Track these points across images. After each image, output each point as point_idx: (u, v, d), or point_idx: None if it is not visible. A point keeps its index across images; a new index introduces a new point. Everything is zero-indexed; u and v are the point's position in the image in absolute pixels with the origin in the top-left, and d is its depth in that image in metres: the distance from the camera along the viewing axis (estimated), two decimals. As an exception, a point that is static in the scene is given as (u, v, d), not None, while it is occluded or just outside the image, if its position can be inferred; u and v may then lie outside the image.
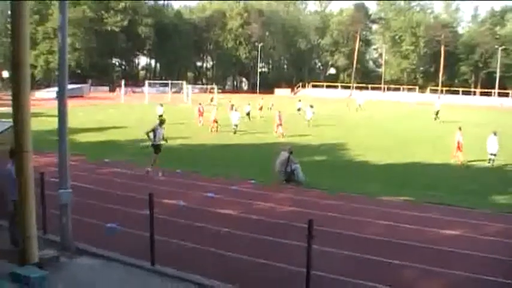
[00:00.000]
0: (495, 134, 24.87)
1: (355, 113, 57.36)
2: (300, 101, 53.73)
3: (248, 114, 43.63)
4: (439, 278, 9.70)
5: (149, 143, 19.56)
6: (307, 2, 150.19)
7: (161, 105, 42.83)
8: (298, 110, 49.84)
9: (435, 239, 12.07)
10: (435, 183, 19.55)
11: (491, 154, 24.38)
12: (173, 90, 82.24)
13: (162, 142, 19.81)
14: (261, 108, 49.44)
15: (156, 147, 19.23)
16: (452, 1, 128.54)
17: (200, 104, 42.38)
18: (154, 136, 19.20)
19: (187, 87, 75.34)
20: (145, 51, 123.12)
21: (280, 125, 33.99)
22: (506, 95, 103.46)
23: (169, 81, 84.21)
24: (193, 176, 19.02)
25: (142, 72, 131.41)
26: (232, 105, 42.24)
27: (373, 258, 10.63)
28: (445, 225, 13.27)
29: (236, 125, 35.22)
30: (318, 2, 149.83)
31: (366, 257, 10.67)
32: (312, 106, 41.77)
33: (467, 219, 14.03)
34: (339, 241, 11.62)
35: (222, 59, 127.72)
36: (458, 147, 25.09)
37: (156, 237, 9.65)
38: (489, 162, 24.31)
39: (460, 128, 25.95)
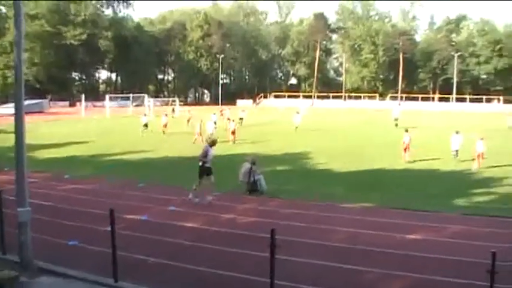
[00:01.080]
0: (457, 132, 27.87)
1: (317, 122, 57.87)
2: (243, 111, 53.05)
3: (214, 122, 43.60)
4: (401, 281, 9.87)
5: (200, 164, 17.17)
6: (267, 12, 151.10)
7: (145, 115, 45.00)
8: (240, 119, 49.11)
9: (398, 243, 12.28)
10: (397, 188, 19.90)
11: (455, 150, 27.35)
12: (135, 103, 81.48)
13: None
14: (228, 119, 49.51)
15: (208, 170, 17.08)
16: (411, 5, 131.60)
17: (166, 115, 44.25)
18: (205, 156, 17.07)
19: (148, 100, 74.70)
20: (105, 65, 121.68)
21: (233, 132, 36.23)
22: (464, 100, 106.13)
23: (131, 95, 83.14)
24: (157, 189, 18.86)
25: (103, 86, 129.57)
26: (189, 119, 45.54)
27: (337, 266, 10.74)
28: (407, 229, 13.49)
29: (211, 134, 35.14)
30: (278, 12, 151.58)
31: (330, 265, 10.77)
32: (298, 112, 43.37)
33: (429, 222, 14.30)
34: (302, 250, 11.68)
35: (184, 71, 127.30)
36: (406, 148, 27.04)
37: (119, 253, 9.54)
38: (454, 158, 27.14)
39: (406, 130, 28.06)
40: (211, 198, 16.79)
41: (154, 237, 12.65)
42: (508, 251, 11.05)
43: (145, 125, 42.17)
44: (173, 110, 69.45)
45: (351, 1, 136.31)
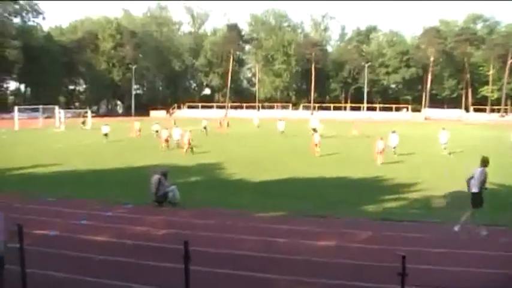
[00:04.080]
0: (394, 132, 34.86)
1: (231, 131, 58.34)
2: (106, 125, 49.93)
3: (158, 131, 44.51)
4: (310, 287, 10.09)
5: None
6: (180, 22, 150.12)
7: (106, 124, 47.44)
8: (157, 131, 48.61)
9: (308, 250, 12.53)
10: (308, 195, 20.38)
11: (393, 147, 33.66)
12: (45, 115, 78.83)
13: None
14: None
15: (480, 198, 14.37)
16: (322, 17, 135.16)
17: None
18: (484, 182, 14.28)
19: (59, 112, 72.13)
20: (14, 75, 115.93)
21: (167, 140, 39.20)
22: (374, 109, 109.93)
23: (40, 106, 79.96)
24: (67, 203, 18.30)
25: (11, 98, 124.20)
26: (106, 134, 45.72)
27: (248, 274, 10.84)
28: (317, 236, 13.79)
29: (178, 140, 39.46)
30: (191, 23, 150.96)
31: (240, 274, 10.85)
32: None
33: (339, 228, 14.72)
34: (213, 260, 11.68)
35: (95, 82, 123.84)
36: (380, 152, 30.40)
37: (27, 270, 9.18)
38: (395, 154, 33.15)
39: (315, 130, 29.44)
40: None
41: (64, 252, 12.26)
42: (416, 254, 11.66)
43: (106, 134, 45.47)
44: (84, 122, 68.18)
45: (263, 12, 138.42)
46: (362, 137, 49.36)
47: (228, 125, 65.82)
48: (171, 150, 38.12)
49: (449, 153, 34.67)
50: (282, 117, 64.57)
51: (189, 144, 36.12)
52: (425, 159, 32.79)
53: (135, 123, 54.24)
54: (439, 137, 37.78)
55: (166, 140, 39.31)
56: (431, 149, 38.25)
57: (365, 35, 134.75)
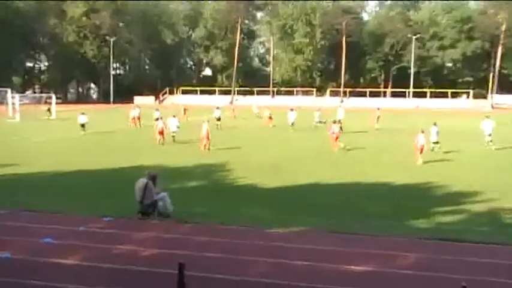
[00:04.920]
0: (434, 124, 35.44)
1: (238, 124, 58.29)
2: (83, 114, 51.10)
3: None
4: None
5: None
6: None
7: (83, 113, 49.44)
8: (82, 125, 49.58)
9: (341, 277, 12.50)
10: (334, 206, 20.38)
11: (434, 143, 34.83)
12: (-7, 100, 79.08)
13: None
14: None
15: None
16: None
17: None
18: None
19: (13, 97, 72.51)
20: None
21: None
22: (423, 94, 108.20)
23: (-13, 89, 79.89)
24: (26, 216, 18.33)
25: None
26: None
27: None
28: (347, 259, 13.73)
29: (174, 132, 41.92)
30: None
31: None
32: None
33: (377, 249, 14.61)
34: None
35: (61, 58, 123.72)
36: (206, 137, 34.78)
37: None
38: (432, 150, 34.33)
39: (422, 131, 32.03)
40: None
41: (20, 282, 12.16)
42: (482, 285, 11.59)
43: (83, 125, 48.09)
44: (49, 109, 68.37)
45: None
46: (391, 130, 49.54)
47: (234, 116, 65.99)
48: (168, 145, 39.07)
49: (495, 148, 35.97)
50: (295, 106, 64.28)
51: (208, 138, 36.93)
52: (488, 160, 32.84)
53: (131, 110, 57.03)
54: (482, 128, 38.10)
55: (161, 133, 40.28)
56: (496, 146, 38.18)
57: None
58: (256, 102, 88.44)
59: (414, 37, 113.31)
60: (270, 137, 47.76)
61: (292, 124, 53.54)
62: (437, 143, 34.94)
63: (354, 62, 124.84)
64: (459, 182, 24.86)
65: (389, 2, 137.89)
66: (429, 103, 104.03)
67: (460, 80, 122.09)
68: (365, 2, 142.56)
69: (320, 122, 55.32)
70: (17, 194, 22.15)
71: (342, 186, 24.44)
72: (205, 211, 19.24)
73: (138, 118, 55.80)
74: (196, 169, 29.17)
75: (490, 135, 37.63)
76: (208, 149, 36.62)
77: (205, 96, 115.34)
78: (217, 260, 13.74)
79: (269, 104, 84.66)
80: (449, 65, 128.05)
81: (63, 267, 13.34)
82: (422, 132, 31.45)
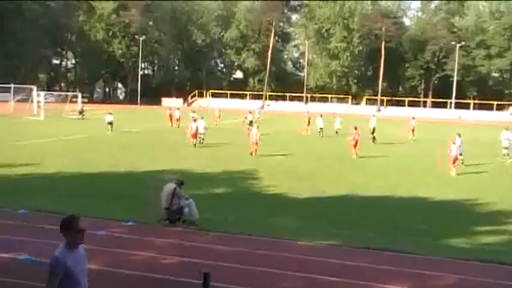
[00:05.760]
0: (459, 135, 35.51)
1: (266, 129, 58.34)
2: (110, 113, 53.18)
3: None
4: None
5: None
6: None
7: (110, 113, 51.83)
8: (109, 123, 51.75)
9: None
10: (369, 220, 20.12)
11: (505, 148, 37.03)
12: (18, 97, 79.65)
13: None
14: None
15: None
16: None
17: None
18: None
19: (38, 94, 73.29)
20: None
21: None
22: (466, 105, 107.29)
23: (12, 85, 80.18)
24: (44, 218, 18.28)
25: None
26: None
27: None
28: (381, 276, 13.52)
29: (202, 134, 42.36)
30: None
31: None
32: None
33: (412, 267, 14.36)
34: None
35: (89, 56, 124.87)
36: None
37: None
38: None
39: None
40: None
41: (32, 284, 12.06)
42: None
43: (110, 124, 50.39)
44: (82, 111, 68.59)
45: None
46: (429, 141, 49.33)
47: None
48: (199, 148, 39.79)
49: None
50: (323, 112, 64.61)
51: (256, 143, 37.12)
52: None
53: (174, 111, 60.11)
54: (500, 140, 38.02)
55: (194, 135, 40.99)
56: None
57: (458, 3, 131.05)
58: (304, 108, 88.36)
59: (458, 45, 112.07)
60: (300, 143, 47.88)
61: (321, 129, 53.72)
62: (460, 154, 34.12)
63: (392, 69, 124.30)
64: (499, 200, 24.48)
65: (433, 6, 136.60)
66: (472, 115, 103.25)
67: (506, 92, 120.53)
68: (406, 5, 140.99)
69: (321, 130, 55.90)
70: (35, 195, 22.29)
71: (375, 199, 24.24)
72: (231, 219, 19.13)
73: (178, 119, 58.79)
74: (223, 175, 29.21)
75: (507, 148, 37.88)
76: (252, 153, 36.88)
77: (236, 100, 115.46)
78: (241, 271, 13.62)
79: (304, 109, 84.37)
80: (496, 75, 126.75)
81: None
82: (454, 142, 31.44)
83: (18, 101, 77.44)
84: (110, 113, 51.73)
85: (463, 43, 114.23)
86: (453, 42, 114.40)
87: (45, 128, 47.33)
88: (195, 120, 43.22)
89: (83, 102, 79.22)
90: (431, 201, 24.29)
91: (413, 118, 55.59)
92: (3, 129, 48.76)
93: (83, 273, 7.77)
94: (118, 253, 14.84)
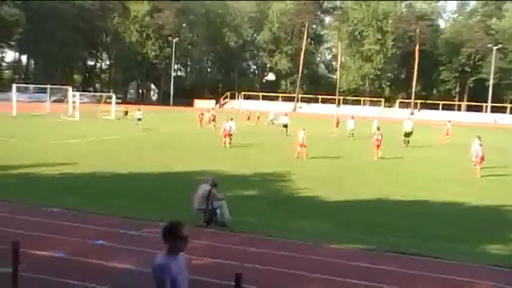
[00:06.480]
0: (478, 138, 35.10)
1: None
2: (139, 110, 58.67)
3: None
4: None
5: None
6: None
7: (139, 110, 58.99)
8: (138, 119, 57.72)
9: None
10: (399, 225, 20.00)
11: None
12: (54, 98, 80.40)
13: None
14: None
15: None
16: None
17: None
18: None
19: (73, 95, 73.93)
20: (11, 42, 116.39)
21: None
22: (502, 109, 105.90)
23: (48, 86, 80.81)
24: (78, 217, 18.59)
25: (8, 72, 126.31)
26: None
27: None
28: (411, 282, 13.52)
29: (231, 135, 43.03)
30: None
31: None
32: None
33: (442, 273, 14.22)
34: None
35: (123, 58, 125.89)
36: (301, 145, 35.87)
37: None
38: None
39: (303, 129, 35.96)
40: None
41: (71, 282, 12.31)
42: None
43: (139, 119, 56.34)
44: (126, 113, 71.19)
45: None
46: (461, 145, 49.01)
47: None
48: (228, 150, 40.18)
49: None
50: (354, 114, 64.95)
51: (304, 145, 37.29)
52: None
53: (205, 112, 62.10)
54: None
55: (228, 135, 41.74)
56: None
57: (495, 5, 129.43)
58: (334, 111, 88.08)
59: (495, 47, 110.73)
60: (331, 145, 47.85)
61: (351, 132, 54.17)
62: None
63: (426, 72, 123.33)
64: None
65: (469, 8, 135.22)
66: (509, 118, 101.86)
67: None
68: (441, 7, 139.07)
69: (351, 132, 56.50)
70: (71, 194, 22.59)
71: (406, 204, 24.13)
72: (261, 222, 19.23)
73: (213, 119, 60.55)
74: (254, 177, 29.29)
75: None
76: (298, 157, 37.05)
77: (268, 102, 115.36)
78: (270, 273, 13.69)
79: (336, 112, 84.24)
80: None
81: (112, 269, 13.47)
82: (481, 145, 31.47)
83: (54, 101, 78.11)
84: (139, 109, 58.68)
85: (499, 45, 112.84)
86: (490, 45, 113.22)
87: (80, 128, 47.84)
88: (231, 119, 43.67)
89: (117, 103, 79.83)
90: (462, 207, 24.10)
91: (449, 121, 55.62)
92: (40, 129, 49.41)
93: (184, 281, 7.73)
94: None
